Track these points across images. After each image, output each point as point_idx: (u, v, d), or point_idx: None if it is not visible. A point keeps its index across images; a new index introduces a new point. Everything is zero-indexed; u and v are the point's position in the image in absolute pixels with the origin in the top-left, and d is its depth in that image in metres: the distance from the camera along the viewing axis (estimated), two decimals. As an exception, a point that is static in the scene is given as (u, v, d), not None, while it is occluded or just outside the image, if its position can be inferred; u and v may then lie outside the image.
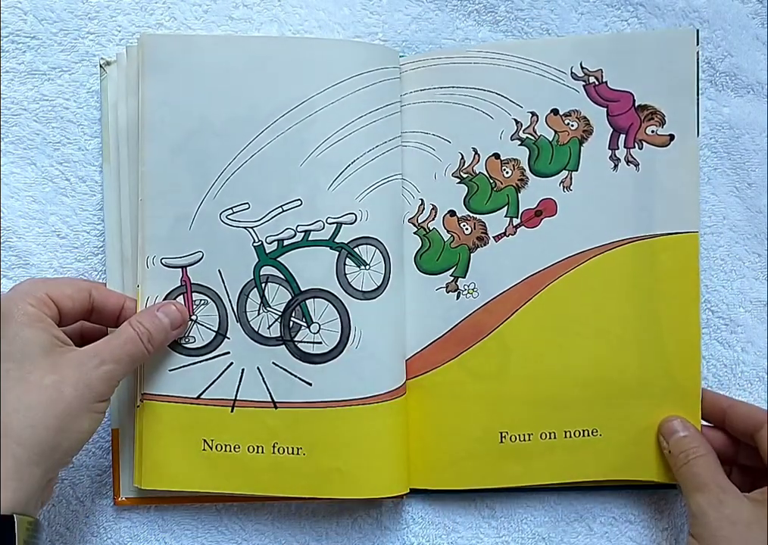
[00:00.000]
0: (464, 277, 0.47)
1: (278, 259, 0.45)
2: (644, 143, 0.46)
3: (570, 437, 0.47)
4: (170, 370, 0.45)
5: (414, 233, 0.47)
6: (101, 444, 0.48)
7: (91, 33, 0.49)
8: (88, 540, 0.48)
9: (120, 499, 0.48)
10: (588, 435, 0.47)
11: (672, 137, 0.46)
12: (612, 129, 0.46)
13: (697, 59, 0.46)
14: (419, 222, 0.47)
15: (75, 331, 0.44)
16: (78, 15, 0.49)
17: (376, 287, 0.45)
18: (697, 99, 0.46)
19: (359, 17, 0.49)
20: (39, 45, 0.48)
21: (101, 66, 0.47)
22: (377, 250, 0.45)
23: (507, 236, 0.47)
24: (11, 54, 0.48)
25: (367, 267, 0.45)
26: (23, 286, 0.41)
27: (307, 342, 0.45)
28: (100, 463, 0.48)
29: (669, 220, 0.46)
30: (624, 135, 0.46)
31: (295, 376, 0.45)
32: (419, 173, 0.47)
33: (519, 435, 0.46)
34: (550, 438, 0.47)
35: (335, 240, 0.45)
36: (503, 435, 0.46)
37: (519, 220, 0.46)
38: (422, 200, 0.47)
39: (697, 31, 0.45)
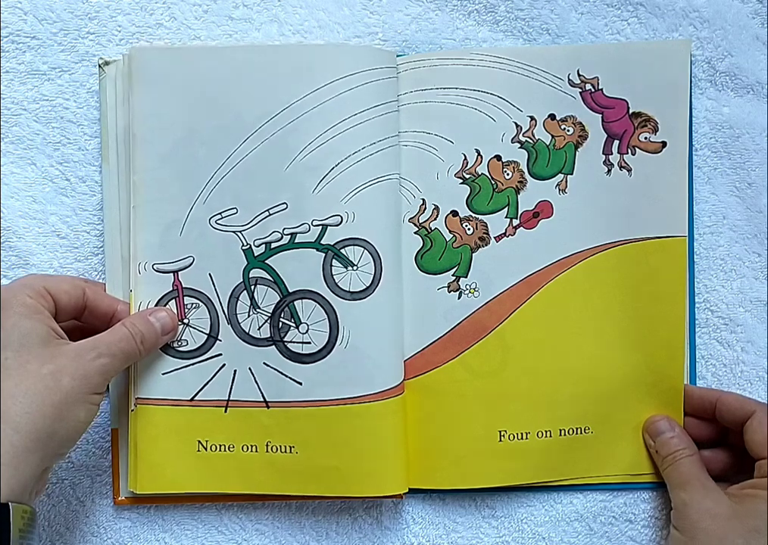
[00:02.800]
0: (466, 277, 0.47)
1: (266, 261, 0.45)
2: (637, 149, 0.47)
3: (564, 435, 0.47)
4: (163, 374, 0.45)
5: (415, 233, 0.47)
6: (101, 444, 0.48)
7: (91, 33, 0.49)
8: (88, 540, 0.48)
9: (119, 498, 0.48)
10: (581, 433, 0.47)
11: (664, 144, 0.47)
12: (606, 135, 0.47)
13: (690, 69, 0.47)
14: (421, 222, 0.47)
15: (68, 330, 0.44)
16: (78, 15, 0.49)
17: (364, 287, 0.45)
18: (690, 108, 0.47)
19: (359, 17, 0.49)
20: (39, 45, 0.48)
21: (99, 66, 0.47)
22: (365, 251, 0.45)
23: (507, 236, 0.47)
24: (11, 54, 0.48)
25: (355, 268, 0.45)
26: (21, 279, 0.42)
27: (297, 342, 0.45)
28: (100, 463, 0.48)
29: (658, 224, 0.47)
30: (618, 141, 0.47)
31: (286, 376, 0.45)
32: (420, 173, 0.47)
33: (517, 434, 0.47)
34: (546, 437, 0.47)
35: (321, 241, 0.45)
36: (502, 434, 0.47)
37: (518, 221, 0.47)
38: (423, 200, 0.47)
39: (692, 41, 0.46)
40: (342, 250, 0.45)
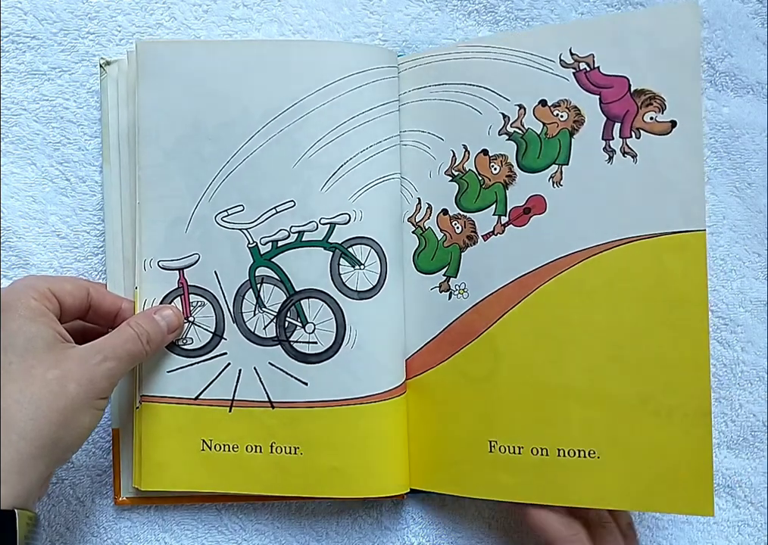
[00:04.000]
0: (456, 277, 0.45)
1: (272, 260, 0.45)
2: (641, 131, 0.42)
3: (564, 456, 0.43)
4: (168, 371, 0.45)
5: (412, 232, 0.47)
6: (101, 444, 0.48)
7: (91, 33, 0.49)
8: (88, 540, 0.48)
9: (120, 499, 0.48)
10: (585, 456, 0.42)
11: (674, 124, 0.41)
12: (606, 118, 0.42)
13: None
14: (417, 221, 0.47)
15: (72, 330, 0.44)
16: (78, 15, 0.49)
17: (371, 286, 0.45)
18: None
19: (359, 17, 0.49)
20: (39, 45, 0.48)
21: (101, 66, 0.47)
22: (372, 250, 0.45)
23: (496, 235, 0.45)
24: (11, 54, 0.48)
25: (362, 267, 0.45)
26: (24, 281, 0.41)
27: (303, 342, 0.45)
28: (100, 463, 0.48)
29: (672, 217, 0.41)
30: (619, 124, 0.42)
31: (291, 376, 0.45)
32: (415, 172, 0.46)
33: (508, 447, 0.44)
34: (541, 454, 0.43)
35: (329, 240, 0.45)
36: (492, 444, 0.44)
37: (507, 218, 0.44)
38: (419, 199, 0.46)
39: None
40: (350, 249, 0.45)
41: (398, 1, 0.50)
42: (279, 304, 0.45)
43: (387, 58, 0.45)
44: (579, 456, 0.43)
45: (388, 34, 0.49)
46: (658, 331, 0.42)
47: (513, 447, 0.44)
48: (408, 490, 0.46)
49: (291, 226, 0.45)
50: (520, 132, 0.44)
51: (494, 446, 0.44)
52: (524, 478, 0.43)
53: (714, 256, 0.50)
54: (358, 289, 0.45)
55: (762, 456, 0.50)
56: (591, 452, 0.42)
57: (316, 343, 0.45)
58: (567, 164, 0.43)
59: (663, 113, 0.42)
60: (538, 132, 0.44)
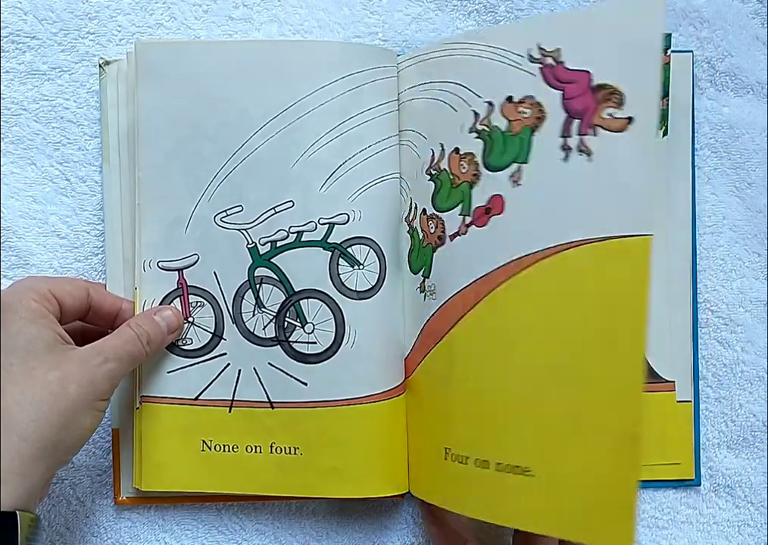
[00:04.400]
0: (429, 277, 0.45)
1: (271, 260, 0.45)
2: (599, 128, 0.38)
3: (501, 471, 0.39)
4: (167, 372, 0.45)
5: (407, 232, 0.46)
6: (101, 444, 0.48)
7: (91, 33, 0.49)
8: (88, 540, 0.48)
9: (120, 499, 0.48)
10: (521, 473, 0.38)
11: (630, 120, 0.37)
12: (566, 115, 0.39)
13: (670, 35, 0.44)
14: (409, 221, 0.46)
15: (72, 331, 0.44)
16: (78, 15, 0.49)
17: (370, 286, 0.45)
18: (667, 78, 0.45)
19: (359, 17, 0.49)
20: (39, 45, 0.48)
21: (100, 66, 0.47)
22: (371, 250, 0.45)
23: (460, 235, 0.43)
24: (11, 54, 0.48)
25: (361, 267, 0.45)
26: (25, 282, 0.41)
27: (302, 342, 0.45)
28: (100, 463, 0.48)
29: (620, 220, 0.37)
30: (579, 121, 0.38)
31: (291, 376, 0.45)
32: (408, 172, 0.46)
33: (458, 456, 0.41)
34: (483, 467, 0.40)
35: (328, 240, 0.45)
36: (447, 451, 0.42)
37: (470, 218, 0.42)
38: (411, 198, 0.46)
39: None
40: (349, 249, 0.45)
41: (397, 1, 0.50)
42: (279, 304, 0.45)
43: (386, 58, 0.45)
44: (515, 473, 0.39)
45: (388, 34, 0.49)
46: (594, 344, 0.37)
47: (461, 457, 0.41)
48: (408, 490, 0.46)
49: (291, 226, 0.45)
50: (487, 129, 0.41)
51: (448, 454, 0.42)
52: (471, 492, 0.41)
53: (714, 256, 0.50)
54: (357, 289, 0.45)
55: (762, 456, 0.50)
56: (527, 469, 0.38)
57: (315, 343, 0.45)
58: (527, 163, 0.40)
59: (621, 109, 0.37)
60: (503, 130, 0.41)
